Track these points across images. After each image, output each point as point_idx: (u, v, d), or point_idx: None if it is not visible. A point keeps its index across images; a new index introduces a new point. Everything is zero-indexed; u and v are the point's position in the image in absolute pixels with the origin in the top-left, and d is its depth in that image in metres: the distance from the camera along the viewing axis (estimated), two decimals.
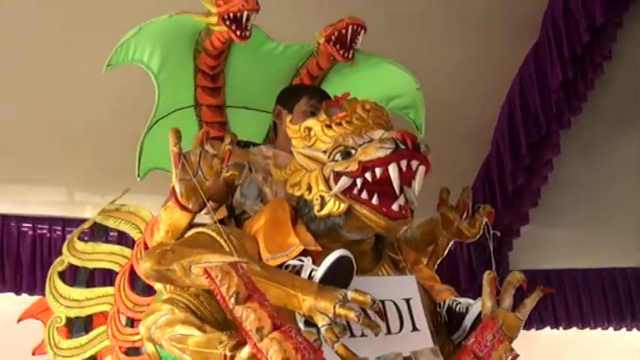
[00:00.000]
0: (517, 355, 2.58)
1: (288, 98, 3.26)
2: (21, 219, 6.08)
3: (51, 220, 6.13)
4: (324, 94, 3.26)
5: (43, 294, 5.83)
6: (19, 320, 4.05)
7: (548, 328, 6.82)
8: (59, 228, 6.11)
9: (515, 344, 2.64)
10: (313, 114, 3.09)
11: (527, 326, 6.36)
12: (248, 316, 2.10)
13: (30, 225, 6.08)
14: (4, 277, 5.95)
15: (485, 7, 5.48)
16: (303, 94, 3.23)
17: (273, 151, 3.15)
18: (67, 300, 3.34)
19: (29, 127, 5.50)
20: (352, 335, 2.38)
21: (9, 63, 5.18)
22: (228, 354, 2.15)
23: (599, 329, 6.96)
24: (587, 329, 6.90)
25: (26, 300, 5.96)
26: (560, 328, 6.86)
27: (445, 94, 5.55)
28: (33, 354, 3.76)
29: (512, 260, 6.50)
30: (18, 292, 6.00)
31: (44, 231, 6.09)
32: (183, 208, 2.58)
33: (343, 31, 3.25)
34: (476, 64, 5.69)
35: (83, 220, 5.85)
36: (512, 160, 5.92)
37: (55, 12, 5.03)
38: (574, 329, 6.90)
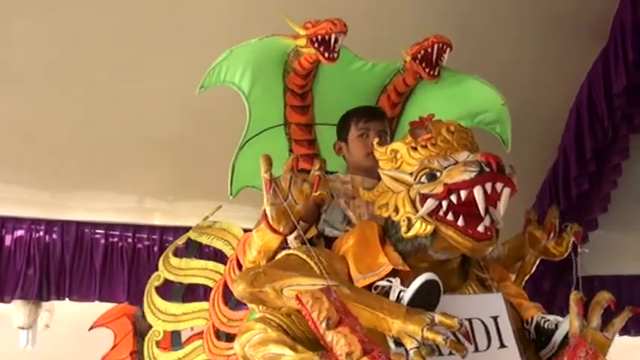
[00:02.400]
0: None
1: (341, 131, 3.33)
2: (94, 225, 6.23)
3: (122, 227, 6.27)
4: (371, 112, 3.33)
5: (113, 301, 6.00)
6: (91, 329, 4.15)
7: (617, 335, 6.67)
8: (130, 234, 6.25)
9: None
10: (365, 135, 3.20)
11: None
12: (339, 341, 2.16)
13: (102, 232, 6.23)
14: (80, 285, 6.09)
15: (555, 10, 5.42)
16: (350, 121, 3.28)
17: (351, 177, 3.21)
18: (164, 314, 3.42)
19: (102, 137, 5.63)
20: (440, 354, 2.41)
21: (84, 75, 5.32)
22: None
23: None
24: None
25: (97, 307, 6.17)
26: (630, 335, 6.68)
27: (513, 99, 5.52)
28: None
29: (581, 266, 6.38)
30: (90, 300, 6.14)
31: (115, 239, 6.23)
32: (274, 230, 2.66)
33: (429, 49, 3.26)
34: (546, 68, 5.63)
35: (152, 227, 6.11)
36: (577, 165, 5.83)
37: (138, 27, 5.17)
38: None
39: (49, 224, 6.14)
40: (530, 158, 5.92)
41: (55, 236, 6.11)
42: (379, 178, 2.73)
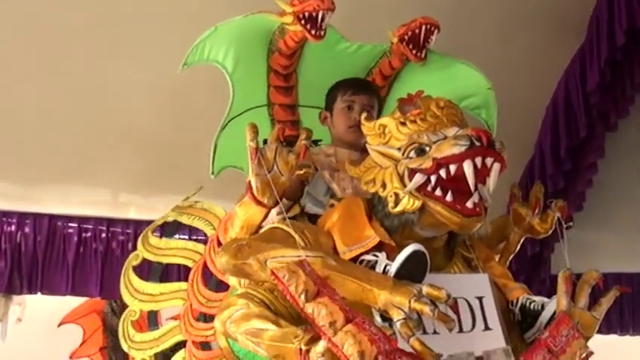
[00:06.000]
0: (592, 353, 2.55)
1: (327, 101, 3.30)
2: (68, 219, 6.17)
3: (95, 221, 6.21)
4: (360, 85, 3.28)
5: (86, 296, 5.92)
6: (60, 325, 4.09)
7: (617, 335, 6.65)
8: (104, 228, 6.19)
9: None
10: (349, 108, 3.17)
11: None
12: (320, 312, 2.12)
13: (75, 225, 6.16)
14: (52, 278, 6.01)
15: (533, 7, 5.45)
16: (337, 92, 3.25)
17: (335, 149, 3.17)
18: (141, 294, 3.38)
19: (76, 129, 5.57)
20: (424, 332, 2.38)
21: (57, 65, 5.27)
22: (304, 348, 2.18)
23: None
24: (627, 336, 6.69)
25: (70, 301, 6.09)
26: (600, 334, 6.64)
27: None
28: (70, 357, 3.80)
29: (555, 264, 6.38)
30: (62, 293, 6.05)
31: (89, 233, 6.15)
32: (259, 203, 2.60)
33: (416, 30, 3.24)
34: (524, 64, 5.63)
35: (127, 221, 6.05)
36: (553, 163, 5.84)
37: (105, 17, 5.12)
38: (614, 336, 6.67)
39: (21, 217, 6.07)
40: (507, 155, 5.90)
41: (27, 229, 6.04)
42: (363, 151, 2.69)
